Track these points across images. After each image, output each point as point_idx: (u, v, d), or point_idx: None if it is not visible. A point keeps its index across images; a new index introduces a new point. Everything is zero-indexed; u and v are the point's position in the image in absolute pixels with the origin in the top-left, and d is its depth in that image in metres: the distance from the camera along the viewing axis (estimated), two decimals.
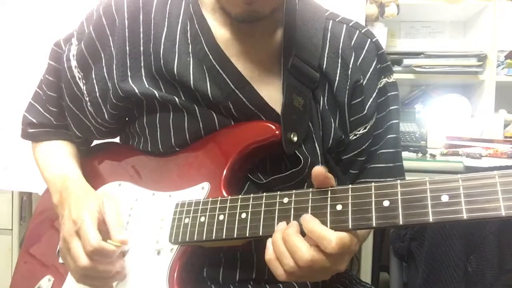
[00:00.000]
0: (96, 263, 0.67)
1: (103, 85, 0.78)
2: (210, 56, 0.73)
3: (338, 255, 0.56)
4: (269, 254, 0.58)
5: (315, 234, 0.56)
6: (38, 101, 0.89)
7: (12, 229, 1.81)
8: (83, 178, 0.82)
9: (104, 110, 0.79)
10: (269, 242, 0.59)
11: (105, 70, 0.78)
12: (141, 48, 0.76)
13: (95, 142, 0.95)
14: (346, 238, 0.55)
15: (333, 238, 0.54)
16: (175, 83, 0.74)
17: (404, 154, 1.51)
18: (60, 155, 0.87)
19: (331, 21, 0.81)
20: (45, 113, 0.88)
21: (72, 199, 0.74)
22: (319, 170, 0.58)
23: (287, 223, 0.59)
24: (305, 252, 0.55)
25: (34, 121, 0.88)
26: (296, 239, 0.56)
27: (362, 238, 0.79)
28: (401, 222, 0.53)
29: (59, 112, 0.88)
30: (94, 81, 0.79)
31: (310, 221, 0.57)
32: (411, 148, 1.64)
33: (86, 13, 0.82)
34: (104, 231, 0.70)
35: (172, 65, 0.74)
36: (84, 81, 0.81)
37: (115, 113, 0.78)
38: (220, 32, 0.75)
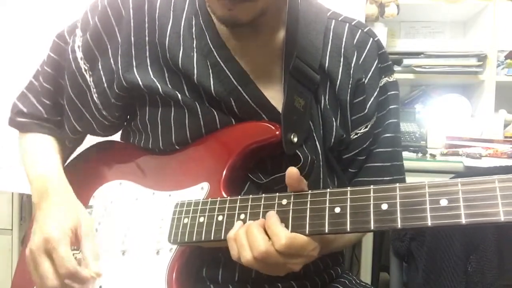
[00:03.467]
0: (65, 286, 0.68)
1: (110, 75, 0.78)
2: (215, 52, 0.73)
3: (291, 254, 0.58)
4: (232, 233, 0.61)
5: (270, 229, 0.59)
6: (31, 91, 0.88)
7: (12, 229, 1.81)
8: (64, 180, 0.81)
9: (112, 101, 0.79)
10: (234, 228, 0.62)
11: (112, 62, 0.78)
12: (147, 39, 0.76)
13: (96, 140, 0.95)
14: (298, 240, 0.58)
15: (283, 236, 0.57)
16: (180, 74, 0.75)
17: (404, 154, 1.50)
18: (44, 152, 0.85)
19: (333, 20, 0.81)
20: (37, 104, 0.86)
21: (48, 208, 0.74)
22: (293, 174, 0.60)
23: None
24: (261, 242, 0.58)
25: (25, 110, 0.87)
26: (256, 230, 0.59)
27: (336, 244, 0.78)
28: (399, 226, 0.52)
29: (52, 106, 0.86)
30: (101, 72, 0.79)
31: (271, 218, 0.60)
32: (411, 148, 1.64)
33: (90, 3, 0.82)
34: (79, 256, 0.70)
35: (177, 57, 0.74)
36: (90, 73, 0.81)
37: (119, 104, 0.79)
38: (224, 29, 0.75)
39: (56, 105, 0.86)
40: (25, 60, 1.54)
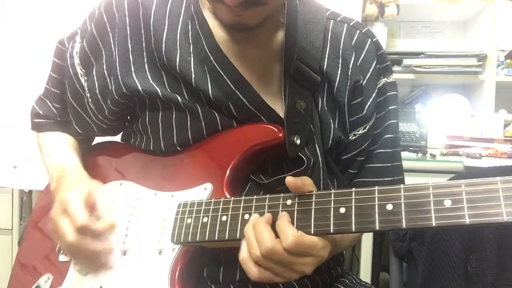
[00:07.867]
0: (83, 240, 0.69)
1: (102, 81, 0.79)
2: (211, 57, 0.73)
3: (299, 253, 0.58)
4: (243, 253, 0.61)
5: (279, 228, 0.59)
6: (47, 97, 0.92)
7: (12, 229, 1.81)
8: (81, 167, 0.84)
9: (104, 107, 0.80)
10: (243, 243, 0.62)
11: (105, 67, 0.79)
12: (144, 45, 0.77)
13: (97, 140, 0.95)
14: (306, 238, 0.58)
15: (290, 234, 0.57)
16: (179, 78, 0.75)
17: (404, 154, 1.51)
18: (61, 146, 0.89)
19: (332, 20, 0.81)
20: (52, 109, 0.90)
21: (65, 184, 0.77)
22: (290, 183, 0.61)
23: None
24: (267, 239, 0.58)
25: (41, 112, 0.91)
26: (263, 227, 0.59)
27: (342, 245, 0.79)
28: (404, 226, 0.53)
29: (63, 109, 0.89)
30: (95, 77, 0.80)
31: (282, 217, 0.60)
32: (411, 148, 1.64)
33: (89, 11, 0.83)
34: (95, 215, 0.72)
35: (174, 62, 0.74)
36: (85, 78, 0.82)
37: (116, 109, 0.79)
38: (221, 33, 0.75)
39: (66, 107, 0.88)
40: (31, 60, 1.55)
